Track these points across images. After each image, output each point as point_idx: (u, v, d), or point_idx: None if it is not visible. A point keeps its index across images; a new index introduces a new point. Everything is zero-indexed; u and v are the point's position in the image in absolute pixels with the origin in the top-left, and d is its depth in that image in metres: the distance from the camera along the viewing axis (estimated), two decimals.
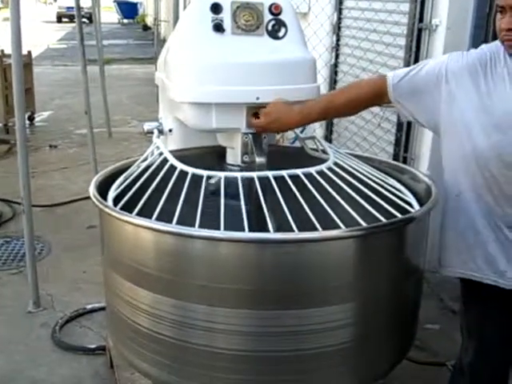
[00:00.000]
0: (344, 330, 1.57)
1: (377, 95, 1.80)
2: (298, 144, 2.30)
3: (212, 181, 1.76)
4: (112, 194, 1.79)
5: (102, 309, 3.00)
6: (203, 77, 1.80)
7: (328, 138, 4.30)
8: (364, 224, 1.57)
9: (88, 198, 1.77)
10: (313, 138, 2.14)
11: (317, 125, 4.42)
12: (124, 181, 1.86)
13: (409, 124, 3.40)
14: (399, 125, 3.46)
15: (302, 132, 2.48)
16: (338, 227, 1.54)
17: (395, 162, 2.23)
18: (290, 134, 4.43)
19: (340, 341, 1.58)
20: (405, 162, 3.30)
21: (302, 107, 1.81)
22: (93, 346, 2.87)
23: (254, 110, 1.84)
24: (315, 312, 1.52)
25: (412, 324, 1.88)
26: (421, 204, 1.76)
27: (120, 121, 7.23)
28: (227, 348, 1.54)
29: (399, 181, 1.95)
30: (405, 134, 3.45)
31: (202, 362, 1.58)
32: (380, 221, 1.60)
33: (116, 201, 1.75)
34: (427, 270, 3.29)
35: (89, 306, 3.20)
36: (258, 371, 1.57)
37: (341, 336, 1.57)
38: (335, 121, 4.33)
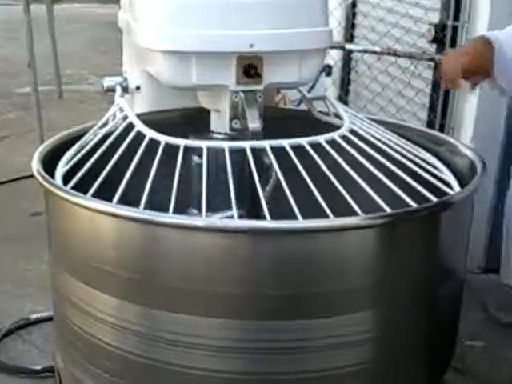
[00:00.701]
0: (362, 347, 1.57)
1: None
2: (304, 107, 2.30)
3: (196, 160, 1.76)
4: (61, 169, 1.78)
5: (50, 319, 3.00)
6: (180, 18, 1.78)
7: (343, 99, 4.30)
8: (388, 209, 1.56)
9: (33, 176, 1.76)
10: (323, 98, 2.14)
11: (329, 83, 4.41)
12: (77, 153, 1.85)
13: None
14: (435, 83, 3.46)
15: (309, 91, 2.47)
16: (354, 213, 1.53)
17: (430, 130, 2.23)
18: (294, 95, 4.42)
19: (356, 361, 1.58)
20: (442, 130, 3.30)
21: None
22: (38, 368, 2.87)
23: (247, 62, 1.83)
24: (324, 323, 1.52)
25: (449, 340, 1.89)
26: (462, 185, 1.76)
27: (74, 76, 7.21)
28: (211, 369, 1.54)
29: (434, 154, 1.95)
30: (442, 95, 3.44)
31: None
32: (409, 205, 1.60)
33: (66, 178, 1.74)
34: (469, 270, 3.31)
35: (33, 316, 3.20)
36: None
37: (358, 355, 1.57)
38: (353, 77, 4.33)
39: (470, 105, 3.33)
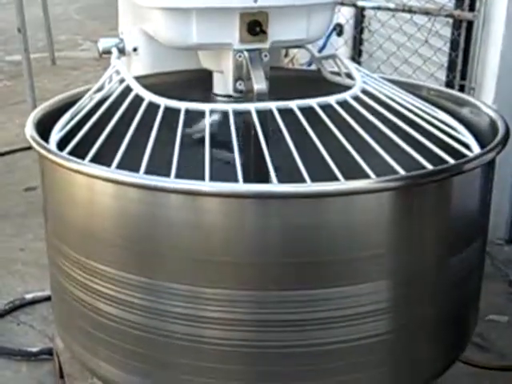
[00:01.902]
0: (376, 317, 1.58)
1: None
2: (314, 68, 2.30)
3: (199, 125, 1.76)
4: (56, 135, 1.79)
5: (47, 299, 3.02)
6: None
7: (355, 60, 4.29)
8: (402, 172, 1.56)
9: (26, 148, 1.78)
10: (333, 56, 2.14)
11: (340, 43, 4.40)
12: (72, 118, 1.86)
13: (467, 40, 3.39)
14: (454, 42, 3.45)
15: (320, 51, 2.47)
16: (366, 177, 1.54)
17: (449, 90, 2.22)
18: (303, 57, 4.41)
19: (372, 332, 1.59)
20: (461, 92, 3.29)
21: None
22: (35, 350, 2.90)
23: (251, 19, 1.83)
24: (336, 293, 1.53)
25: (469, 313, 1.90)
26: (483, 147, 1.76)
27: (67, 42, 7.20)
28: (216, 342, 1.56)
29: (454, 116, 1.95)
30: (462, 54, 3.43)
31: (184, 363, 1.60)
32: (425, 168, 1.60)
33: (61, 145, 1.75)
34: (492, 241, 3.31)
35: (29, 296, 3.23)
36: (258, 374, 1.59)
37: (371, 326, 1.58)
38: (365, 36, 4.31)
39: (491, 64, 3.32)
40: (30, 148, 1.74)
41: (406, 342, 1.68)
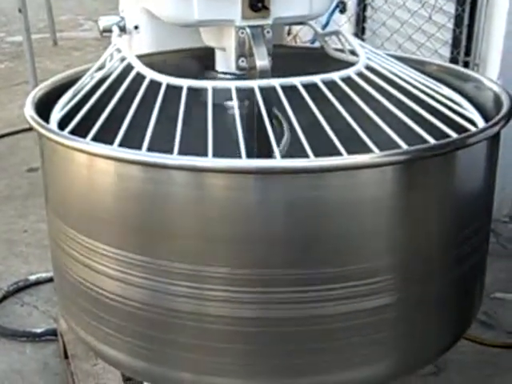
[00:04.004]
0: (379, 294, 1.58)
1: None
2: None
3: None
4: (57, 114, 1.78)
5: (51, 280, 3.03)
6: None
7: (359, 37, 4.27)
8: (405, 146, 1.55)
9: (27, 129, 1.77)
10: (337, 33, 2.12)
11: (343, 20, 4.39)
12: (72, 97, 1.85)
13: (471, 16, 3.37)
14: (458, 18, 3.43)
15: (323, 29, 2.46)
16: (370, 152, 1.53)
17: (452, 65, 2.21)
18: (306, 35, 4.40)
19: (374, 309, 1.58)
20: (466, 68, 3.28)
21: None
22: (39, 331, 2.92)
23: None
24: (340, 271, 1.53)
25: (474, 289, 1.89)
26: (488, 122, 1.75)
27: (69, 23, 7.18)
28: (220, 321, 1.55)
29: (458, 91, 1.94)
30: (466, 30, 3.42)
31: (185, 342, 1.60)
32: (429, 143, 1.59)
33: (62, 124, 1.74)
34: (497, 219, 3.31)
35: (32, 277, 3.25)
36: (262, 351, 1.59)
37: (375, 302, 1.58)
38: (368, 13, 4.30)
39: (496, 41, 3.31)
40: (31, 129, 1.74)
41: (410, 319, 1.67)
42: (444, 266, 1.70)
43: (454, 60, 3.42)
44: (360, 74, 1.78)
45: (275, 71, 1.83)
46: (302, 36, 4.44)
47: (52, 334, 2.86)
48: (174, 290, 1.56)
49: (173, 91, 1.71)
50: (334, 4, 3.27)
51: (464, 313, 1.88)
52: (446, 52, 3.53)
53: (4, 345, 2.87)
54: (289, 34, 4.61)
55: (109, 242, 1.61)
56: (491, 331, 2.92)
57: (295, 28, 4.57)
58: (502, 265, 3.25)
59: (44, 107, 1.82)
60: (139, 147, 1.56)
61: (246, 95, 1.81)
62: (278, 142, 1.57)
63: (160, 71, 1.77)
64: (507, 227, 3.46)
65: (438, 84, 1.91)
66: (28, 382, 2.66)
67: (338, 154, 1.53)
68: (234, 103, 1.66)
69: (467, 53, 3.40)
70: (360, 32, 4.32)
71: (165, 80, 1.72)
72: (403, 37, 3.91)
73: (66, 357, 2.67)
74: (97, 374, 2.53)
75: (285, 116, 1.73)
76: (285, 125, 1.87)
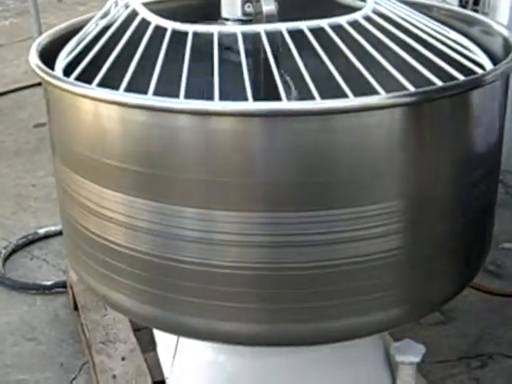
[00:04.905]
0: (389, 237, 1.57)
1: None
2: None
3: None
4: (62, 62, 1.78)
5: (60, 233, 3.05)
6: None
7: None
8: (412, 89, 1.54)
9: (34, 85, 1.76)
10: None
11: None
12: (77, 44, 1.84)
13: None
14: None
15: None
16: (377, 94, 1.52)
17: (459, 9, 2.19)
18: None
19: (381, 254, 1.58)
20: None
21: None
22: (49, 283, 2.94)
23: None
24: (349, 213, 1.52)
25: (482, 237, 1.89)
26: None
27: None
28: (230, 266, 1.55)
29: (466, 36, 1.92)
30: None
31: (195, 287, 1.61)
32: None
33: (67, 72, 1.73)
34: (506, 170, 3.30)
35: (41, 231, 3.27)
36: (270, 295, 1.59)
37: (382, 246, 1.58)
38: None
39: None
40: (38, 84, 1.73)
41: (418, 264, 1.67)
42: (452, 210, 1.69)
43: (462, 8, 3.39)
44: (367, 18, 1.76)
45: (281, 16, 1.81)
46: None
47: (62, 286, 2.88)
48: (182, 234, 1.56)
49: (178, 40, 1.69)
50: None
51: (472, 259, 1.88)
52: (455, 1, 3.49)
53: (14, 297, 2.89)
54: None
55: (117, 188, 1.60)
56: (499, 281, 2.93)
57: None
58: (510, 215, 3.25)
59: (49, 56, 1.81)
60: (146, 91, 1.55)
61: (252, 45, 1.79)
62: (286, 94, 1.55)
63: (164, 18, 1.75)
64: None
65: (446, 28, 1.89)
66: (39, 333, 2.68)
67: (346, 96, 1.52)
68: (240, 48, 1.64)
69: (476, 2, 3.37)
70: None
71: (170, 25, 1.70)
72: None
73: (76, 308, 2.69)
74: (106, 324, 2.55)
75: (292, 63, 1.71)
76: (291, 85, 1.86)
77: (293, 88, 1.88)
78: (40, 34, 4.54)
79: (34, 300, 2.87)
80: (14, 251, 3.14)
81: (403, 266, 1.64)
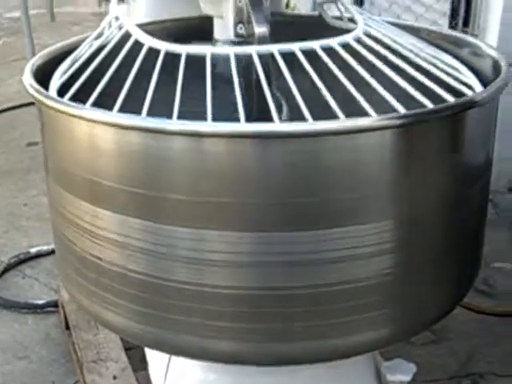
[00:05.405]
0: (379, 257, 1.58)
1: None
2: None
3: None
4: (56, 82, 1.78)
5: (52, 253, 3.05)
6: None
7: None
8: (403, 110, 1.55)
9: (27, 104, 1.78)
10: (335, 1, 2.11)
11: None
12: (71, 65, 1.85)
13: None
14: None
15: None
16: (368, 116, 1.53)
17: (449, 31, 2.21)
18: (303, 8, 4.39)
19: (373, 273, 1.59)
20: None
21: None
22: (41, 302, 2.94)
23: None
24: (339, 233, 1.53)
25: (473, 257, 1.90)
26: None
27: None
28: (220, 285, 1.56)
29: (456, 57, 1.94)
30: (465, 1, 3.41)
31: (187, 306, 1.61)
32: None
33: (61, 92, 1.74)
34: (496, 189, 3.32)
35: (33, 250, 3.26)
36: (260, 315, 1.60)
37: (374, 267, 1.58)
38: None
39: (494, 12, 3.30)
40: (31, 104, 1.74)
41: (408, 284, 1.67)
42: (443, 230, 1.70)
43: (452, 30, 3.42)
44: (358, 41, 1.77)
45: (273, 38, 1.83)
46: (300, 8, 4.43)
47: (53, 306, 2.88)
48: (174, 253, 1.57)
49: (171, 61, 1.70)
50: None
51: (463, 277, 1.88)
52: (445, 22, 3.52)
53: (6, 316, 2.88)
54: (287, 6, 4.60)
55: (109, 208, 1.61)
56: (491, 300, 2.94)
57: (293, 1, 4.57)
58: (500, 235, 3.26)
59: (43, 76, 1.82)
60: (140, 112, 1.56)
61: (244, 68, 1.81)
62: (278, 114, 1.57)
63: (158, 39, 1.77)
64: (505, 198, 3.47)
65: (437, 50, 1.91)
66: (30, 352, 2.67)
67: (337, 117, 1.53)
68: (233, 69, 1.65)
69: (465, 24, 3.40)
70: (358, 3, 4.31)
71: (163, 47, 1.72)
72: (401, 7, 3.90)
73: (68, 328, 2.69)
74: (98, 343, 2.55)
75: (283, 84, 1.72)
76: (284, 103, 1.88)
77: (284, 106, 1.90)
78: (33, 54, 4.56)
79: (25, 319, 2.86)
80: (5, 270, 3.14)
81: (393, 286, 1.65)
